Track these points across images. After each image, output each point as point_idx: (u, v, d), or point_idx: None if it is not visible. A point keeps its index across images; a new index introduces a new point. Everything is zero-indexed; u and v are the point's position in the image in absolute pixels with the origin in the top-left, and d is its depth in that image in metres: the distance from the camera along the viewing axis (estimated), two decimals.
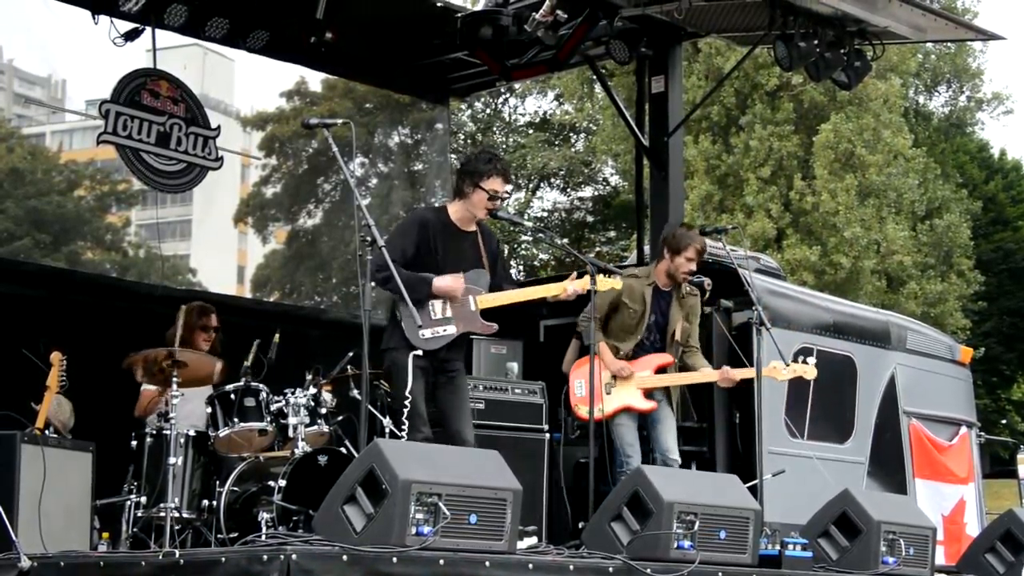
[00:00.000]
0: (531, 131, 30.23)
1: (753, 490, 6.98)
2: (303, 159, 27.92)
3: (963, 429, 10.81)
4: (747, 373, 7.75)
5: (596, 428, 7.15)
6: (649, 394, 7.67)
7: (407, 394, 6.23)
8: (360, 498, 4.99)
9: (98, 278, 15.34)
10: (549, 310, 10.17)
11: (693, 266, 7.80)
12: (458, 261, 6.61)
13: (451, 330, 6.45)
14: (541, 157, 28.92)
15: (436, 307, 6.46)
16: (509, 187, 6.81)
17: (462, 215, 6.71)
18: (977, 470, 10.91)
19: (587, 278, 6.64)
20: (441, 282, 6.44)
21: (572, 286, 6.62)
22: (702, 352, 7.96)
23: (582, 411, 7.60)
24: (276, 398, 7.06)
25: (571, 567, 5.36)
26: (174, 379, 6.70)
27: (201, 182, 9.40)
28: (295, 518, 6.43)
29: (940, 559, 8.01)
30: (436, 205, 7.05)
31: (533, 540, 7.13)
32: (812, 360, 7.63)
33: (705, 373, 7.77)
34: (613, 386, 7.64)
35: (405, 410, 6.24)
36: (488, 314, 6.60)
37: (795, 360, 7.67)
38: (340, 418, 7.27)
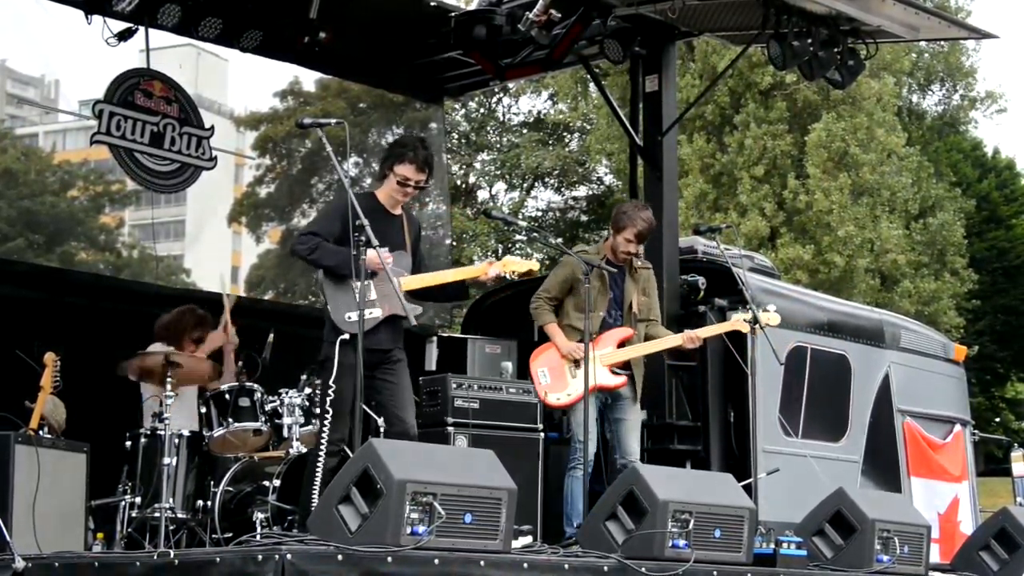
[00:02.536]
0: (525, 131, 30.23)
1: (748, 489, 6.98)
2: (297, 159, 27.88)
3: (957, 427, 10.82)
4: (710, 331, 7.67)
5: (561, 415, 7.12)
6: (615, 371, 7.42)
7: (331, 383, 6.15)
8: (355, 498, 4.99)
9: (92, 278, 15.31)
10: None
11: (633, 248, 7.51)
12: (384, 243, 6.49)
13: (376, 312, 6.33)
14: (535, 157, 28.92)
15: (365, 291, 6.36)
16: (422, 177, 6.62)
17: (386, 198, 6.67)
18: (971, 468, 10.93)
19: (506, 259, 6.67)
20: (371, 256, 6.20)
21: (493, 269, 6.65)
22: (697, 350, 7.91)
23: (551, 399, 7.44)
24: (271, 398, 7.06)
25: (566, 566, 5.36)
26: (168, 381, 6.70)
27: (195, 182, 9.40)
28: (290, 518, 6.43)
29: (935, 557, 8.02)
30: (366, 191, 6.98)
31: (528, 539, 7.13)
32: (772, 307, 7.54)
33: (668, 339, 7.54)
34: (578, 368, 7.30)
35: (328, 399, 6.14)
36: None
37: (760, 310, 7.51)
38: None
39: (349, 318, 6.25)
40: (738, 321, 7.58)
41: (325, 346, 6.33)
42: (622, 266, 7.59)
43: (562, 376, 7.40)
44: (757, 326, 7.57)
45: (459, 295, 6.98)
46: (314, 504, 5.72)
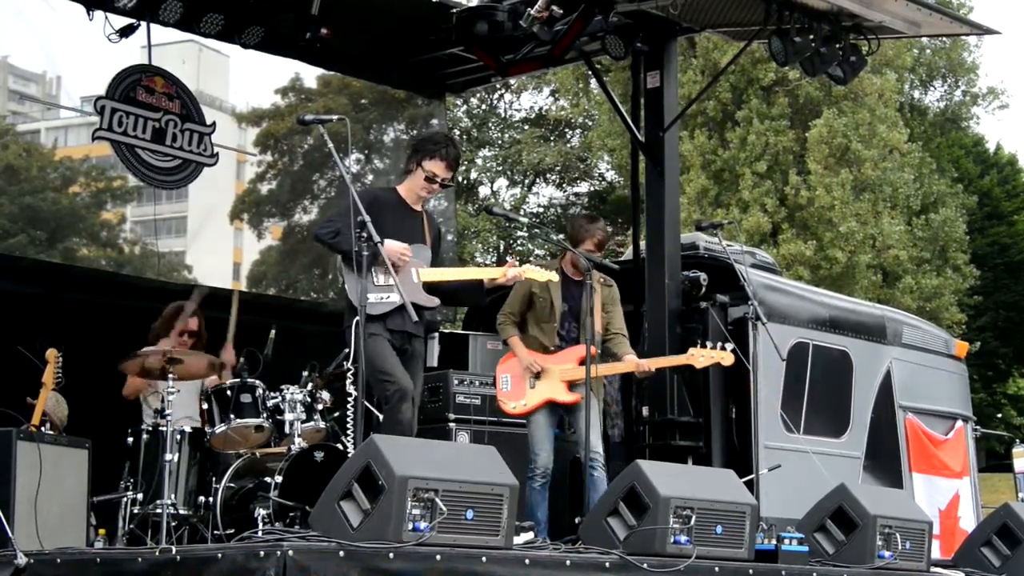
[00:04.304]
0: (527, 127, 30.23)
1: (749, 485, 6.98)
2: (299, 155, 27.80)
3: (959, 423, 10.83)
4: (659, 362, 7.81)
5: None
6: (572, 386, 7.50)
7: (350, 366, 6.22)
8: (357, 494, 4.99)
9: (94, 274, 15.31)
10: None
11: (595, 257, 7.59)
12: (405, 238, 6.60)
13: (394, 298, 6.36)
14: (537, 153, 28.92)
15: (379, 276, 6.39)
16: (450, 175, 6.72)
17: (409, 194, 6.73)
18: (973, 464, 10.94)
19: (526, 266, 6.85)
20: (391, 245, 6.32)
21: (512, 272, 6.76)
22: (698, 347, 7.93)
23: (508, 406, 7.58)
24: (272, 394, 7.06)
25: (568, 562, 5.35)
26: (170, 376, 6.70)
27: (196, 178, 9.40)
28: (292, 514, 6.44)
29: (936, 553, 8.02)
30: (389, 186, 7.04)
31: (529, 535, 7.15)
32: (729, 345, 7.60)
33: (622, 365, 7.68)
34: (537, 380, 7.51)
35: (350, 379, 6.23)
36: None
37: (716, 347, 7.59)
38: (336, 414, 7.27)
39: (369, 299, 6.29)
40: (691, 356, 7.64)
41: (346, 332, 6.36)
42: (580, 280, 7.57)
43: (522, 385, 7.54)
44: (759, 322, 7.62)
45: (475, 298, 7.02)
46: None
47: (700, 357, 7.60)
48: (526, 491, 7.38)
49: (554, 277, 7.07)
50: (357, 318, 6.17)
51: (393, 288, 6.35)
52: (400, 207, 6.70)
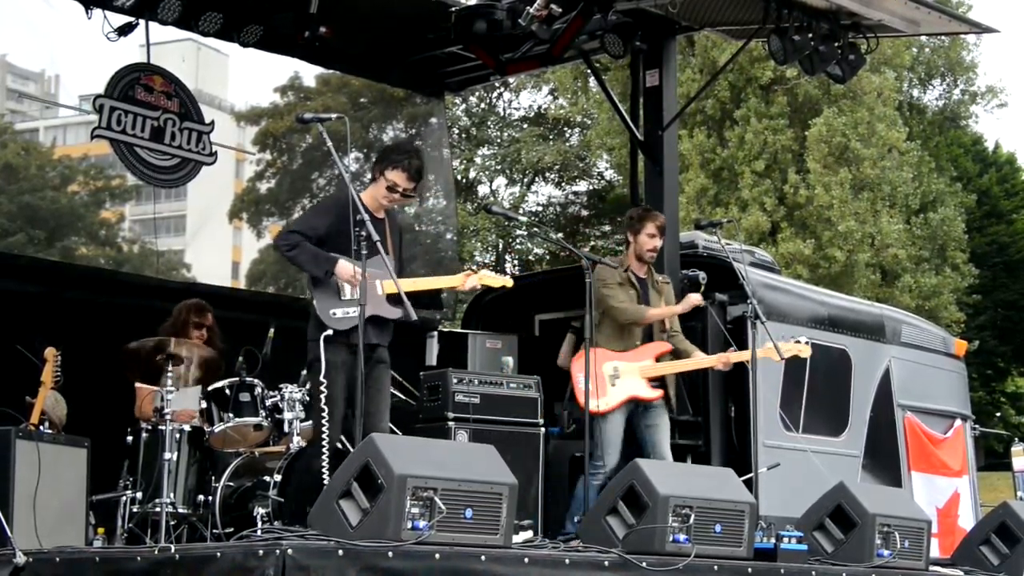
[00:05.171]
0: (526, 126, 30.22)
1: (748, 483, 6.98)
2: (297, 154, 27.89)
3: (958, 422, 10.83)
4: (742, 356, 7.75)
5: (591, 421, 7.20)
6: (653, 383, 7.67)
7: (321, 379, 6.19)
8: (356, 493, 4.99)
9: (93, 273, 15.30)
10: (543, 305, 10.21)
11: (657, 242, 7.82)
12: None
13: (357, 311, 6.29)
14: (536, 152, 28.91)
15: (346, 289, 6.35)
16: (411, 186, 6.61)
17: (372, 201, 6.62)
18: (971, 463, 10.94)
19: (482, 273, 6.74)
20: (343, 267, 6.27)
21: (470, 281, 6.71)
22: (698, 346, 7.99)
23: (591, 405, 7.44)
24: (271, 393, 7.06)
25: (567, 561, 5.35)
26: (168, 374, 6.69)
27: (195, 177, 9.40)
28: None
29: (935, 551, 8.03)
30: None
31: (528, 534, 7.14)
32: (804, 339, 7.66)
33: (703, 359, 7.80)
34: (617, 377, 7.59)
35: (322, 396, 6.19)
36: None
37: (796, 341, 7.69)
38: None
39: (334, 314, 6.30)
40: (769, 349, 7.64)
41: (311, 345, 6.34)
42: (645, 278, 7.82)
43: (602, 384, 7.54)
44: (758, 321, 7.63)
45: (434, 304, 6.99)
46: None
47: (779, 351, 7.60)
48: (583, 488, 7.36)
49: (508, 282, 6.97)
50: (325, 332, 6.19)
51: (357, 303, 6.25)
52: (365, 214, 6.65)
